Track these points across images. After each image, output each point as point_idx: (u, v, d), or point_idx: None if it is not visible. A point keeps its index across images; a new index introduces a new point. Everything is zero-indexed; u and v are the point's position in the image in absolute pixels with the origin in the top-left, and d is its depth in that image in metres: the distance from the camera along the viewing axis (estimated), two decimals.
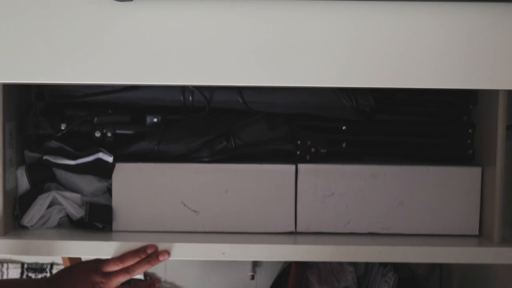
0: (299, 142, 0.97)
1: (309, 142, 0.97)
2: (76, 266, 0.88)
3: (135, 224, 0.96)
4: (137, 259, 0.86)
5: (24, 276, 1.46)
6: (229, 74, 0.69)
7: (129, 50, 0.69)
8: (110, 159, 0.94)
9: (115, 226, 0.96)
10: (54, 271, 1.46)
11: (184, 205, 0.95)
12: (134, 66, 0.69)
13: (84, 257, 0.91)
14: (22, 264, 1.46)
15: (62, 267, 1.45)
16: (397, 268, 1.22)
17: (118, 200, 0.95)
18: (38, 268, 1.46)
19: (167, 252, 0.88)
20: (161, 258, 0.87)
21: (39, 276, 1.46)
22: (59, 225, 0.98)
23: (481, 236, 0.95)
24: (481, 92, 0.98)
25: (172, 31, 0.69)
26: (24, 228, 0.94)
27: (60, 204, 0.96)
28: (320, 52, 0.68)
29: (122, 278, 0.85)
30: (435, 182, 0.95)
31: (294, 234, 0.96)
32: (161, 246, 0.88)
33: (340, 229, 0.96)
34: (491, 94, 0.92)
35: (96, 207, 0.96)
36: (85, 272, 0.84)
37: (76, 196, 0.96)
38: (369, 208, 0.95)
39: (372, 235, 0.95)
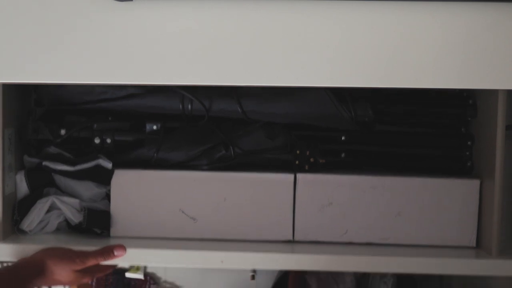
0: (298, 151, 0.98)
1: (308, 152, 0.97)
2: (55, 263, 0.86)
3: (133, 230, 0.96)
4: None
5: None
6: (230, 74, 0.69)
7: (129, 50, 0.69)
8: (109, 165, 0.95)
9: (113, 232, 0.96)
10: None
11: (182, 212, 0.95)
12: (134, 66, 0.69)
13: None
14: None
15: None
16: None
17: (117, 206, 0.96)
18: None
19: (123, 247, 0.87)
20: (116, 252, 0.86)
21: None
22: (58, 230, 0.98)
23: (479, 248, 0.95)
24: (481, 91, 0.98)
25: (172, 31, 0.69)
26: (23, 232, 0.95)
27: (58, 209, 0.96)
28: (320, 52, 0.68)
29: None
30: (433, 194, 0.95)
31: (292, 243, 0.96)
32: (158, 253, 0.89)
33: (338, 238, 0.96)
34: (491, 94, 0.92)
35: (95, 213, 0.96)
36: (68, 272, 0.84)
37: (74, 201, 0.96)
38: (367, 219, 0.95)
39: (370, 245, 0.96)
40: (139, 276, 1.44)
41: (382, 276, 1.21)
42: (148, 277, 1.46)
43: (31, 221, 0.94)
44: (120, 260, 0.88)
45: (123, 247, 0.87)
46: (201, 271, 1.45)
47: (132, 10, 0.68)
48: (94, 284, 1.48)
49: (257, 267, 0.93)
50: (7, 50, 0.69)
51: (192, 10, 0.68)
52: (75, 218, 0.95)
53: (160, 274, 1.46)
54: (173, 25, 0.68)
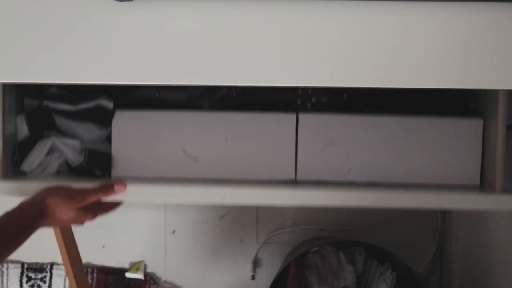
0: (300, 91, 0.96)
1: (310, 91, 0.96)
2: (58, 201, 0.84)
3: (134, 171, 0.94)
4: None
5: (24, 277, 1.47)
6: (230, 74, 0.69)
7: (129, 50, 0.69)
8: (110, 105, 0.93)
9: (114, 173, 0.95)
10: (54, 270, 1.46)
11: (184, 152, 0.94)
12: (134, 66, 0.69)
13: None
14: (22, 264, 1.46)
15: (62, 267, 1.45)
16: (395, 266, 1.22)
17: (118, 147, 0.94)
18: (38, 268, 1.46)
19: (123, 183, 0.86)
20: (116, 188, 0.85)
21: (39, 276, 1.46)
22: (58, 173, 0.97)
23: (483, 187, 0.94)
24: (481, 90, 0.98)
25: (172, 31, 0.69)
26: (24, 174, 0.94)
27: (59, 150, 0.95)
28: (320, 52, 0.68)
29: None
30: (437, 133, 0.94)
31: (294, 183, 0.94)
32: (160, 189, 0.87)
33: (340, 178, 0.94)
34: (491, 94, 0.92)
35: (95, 154, 0.95)
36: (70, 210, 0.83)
37: (75, 143, 0.95)
38: (370, 158, 0.94)
39: (372, 185, 0.94)
40: (139, 276, 1.44)
41: (382, 273, 1.21)
42: (148, 277, 1.46)
43: (31, 162, 0.93)
44: (122, 196, 0.87)
45: (123, 183, 0.86)
46: (201, 271, 1.45)
47: (132, 10, 0.68)
48: (94, 284, 1.48)
49: (260, 202, 0.91)
50: (7, 50, 0.69)
51: (192, 10, 0.68)
52: (76, 159, 0.94)
53: (160, 274, 1.47)
54: (173, 25, 0.68)
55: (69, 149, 0.94)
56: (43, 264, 1.46)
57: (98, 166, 0.94)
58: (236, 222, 1.45)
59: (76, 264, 1.25)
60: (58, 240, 1.28)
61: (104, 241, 1.46)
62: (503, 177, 0.89)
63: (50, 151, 0.95)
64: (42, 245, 1.46)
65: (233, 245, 1.45)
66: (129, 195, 0.88)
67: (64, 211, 0.82)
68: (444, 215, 1.38)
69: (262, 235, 1.44)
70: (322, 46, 0.68)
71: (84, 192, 0.84)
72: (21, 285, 1.46)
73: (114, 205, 0.91)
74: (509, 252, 1.07)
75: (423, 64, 0.68)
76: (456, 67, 0.68)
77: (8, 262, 1.47)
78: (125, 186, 0.86)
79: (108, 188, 0.85)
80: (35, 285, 1.46)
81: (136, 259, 1.46)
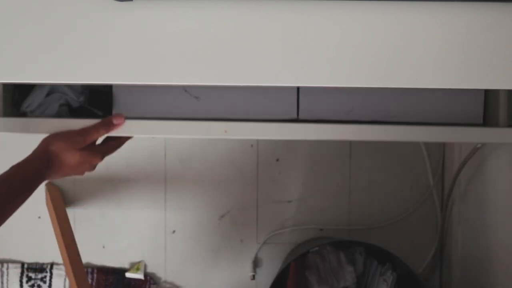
0: None
1: None
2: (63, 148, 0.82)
3: (135, 110, 0.93)
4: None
5: (24, 276, 1.46)
6: (230, 74, 0.69)
7: (129, 50, 0.69)
8: None
9: (115, 112, 0.93)
10: (54, 271, 1.46)
11: (185, 91, 0.93)
12: (134, 66, 0.69)
13: None
14: (22, 264, 1.46)
15: (62, 267, 1.45)
16: (395, 266, 1.22)
17: (119, 86, 0.93)
18: (38, 268, 1.46)
19: (121, 115, 0.84)
20: (115, 121, 0.84)
21: (39, 276, 1.46)
22: (59, 114, 0.95)
23: (486, 125, 0.94)
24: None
25: (172, 31, 0.69)
26: (23, 115, 0.92)
27: (60, 91, 0.94)
28: (320, 52, 0.68)
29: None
30: None
31: (297, 122, 0.94)
32: (162, 123, 0.86)
33: (343, 116, 0.93)
34: (491, 94, 0.92)
35: (96, 94, 0.93)
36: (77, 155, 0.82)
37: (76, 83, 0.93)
38: (373, 96, 0.93)
39: (375, 123, 0.93)
40: (139, 276, 1.44)
41: (382, 273, 1.21)
42: (148, 277, 1.46)
43: (31, 102, 0.92)
44: (124, 131, 0.86)
45: (121, 115, 0.84)
46: (201, 271, 1.45)
47: (132, 10, 0.68)
48: (94, 284, 1.48)
49: (261, 137, 0.90)
50: (7, 50, 0.70)
51: (192, 10, 0.68)
52: (77, 98, 0.93)
53: (160, 274, 1.47)
54: (173, 25, 0.69)
55: (70, 89, 0.93)
56: (43, 264, 1.46)
57: (99, 105, 0.93)
58: (236, 222, 1.45)
59: (76, 264, 1.25)
60: (58, 240, 1.29)
61: (104, 241, 1.46)
62: (506, 113, 0.88)
63: (51, 91, 0.93)
64: (42, 245, 1.46)
65: (233, 245, 1.45)
66: (131, 130, 0.86)
67: (69, 155, 0.80)
68: (445, 215, 1.38)
69: (262, 235, 1.44)
70: (322, 46, 0.68)
71: (84, 131, 0.82)
72: (21, 285, 1.46)
73: (119, 142, 0.89)
74: (509, 252, 1.07)
75: (423, 64, 0.68)
76: (456, 67, 0.68)
77: (8, 262, 1.47)
78: (123, 118, 0.84)
79: (108, 123, 0.84)
80: (35, 285, 1.46)
81: (136, 259, 1.46)
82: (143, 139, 1.44)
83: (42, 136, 0.83)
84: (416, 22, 0.68)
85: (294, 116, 0.94)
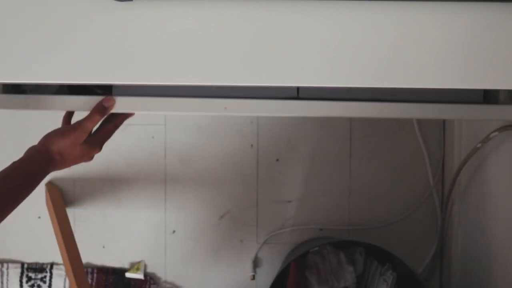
0: None
1: None
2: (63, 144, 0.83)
3: (135, 89, 0.92)
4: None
5: (24, 276, 1.46)
6: (230, 74, 0.69)
7: (129, 50, 0.69)
8: None
9: (115, 91, 0.93)
10: (54, 271, 1.46)
11: None
12: (134, 66, 0.69)
13: (85, 112, 0.87)
14: (22, 264, 1.46)
15: (62, 267, 1.45)
16: (395, 266, 1.22)
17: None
18: (38, 268, 1.46)
19: (110, 97, 0.85)
20: (105, 104, 0.84)
21: (39, 276, 1.46)
22: (58, 93, 0.94)
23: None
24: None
25: (172, 31, 0.69)
26: (23, 93, 0.92)
27: None
28: (320, 52, 0.68)
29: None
30: None
31: (297, 100, 0.93)
32: (161, 100, 0.86)
33: (344, 95, 0.92)
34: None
35: None
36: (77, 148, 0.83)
37: None
38: None
39: (376, 101, 0.92)
40: (139, 276, 1.44)
41: (382, 273, 1.21)
42: (148, 277, 1.46)
43: None
44: (124, 108, 0.86)
45: (111, 97, 0.85)
46: (201, 271, 1.45)
47: (132, 10, 0.68)
48: (94, 284, 1.48)
49: (262, 113, 0.89)
50: (7, 50, 0.69)
51: (192, 10, 0.68)
52: None
53: (160, 274, 1.47)
54: (173, 25, 0.69)
55: None
56: (43, 264, 1.46)
57: (99, 84, 0.93)
58: (236, 222, 1.45)
59: (76, 264, 1.25)
60: (58, 240, 1.29)
61: (104, 241, 1.46)
62: (506, 91, 0.87)
63: None
64: (42, 245, 1.46)
65: (233, 245, 1.45)
66: (132, 107, 0.87)
67: (70, 152, 0.82)
68: (445, 215, 1.38)
69: (262, 235, 1.44)
70: (322, 46, 0.68)
71: (79, 125, 0.83)
72: (21, 285, 1.46)
73: (114, 125, 0.89)
74: (509, 252, 1.07)
75: (423, 64, 0.68)
76: (456, 67, 0.68)
77: (8, 262, 1.47)
78: (114, 99, 0.85)
79: (100, 108, 0.84)
80: (35, 285, 1.46)
81: (136, 259, 1.46)
82: (143, 139, 1.44)
83: (40, 131, 0.83)
84: (416, 22, 0.68)
85: (294, 94, 0.93)
